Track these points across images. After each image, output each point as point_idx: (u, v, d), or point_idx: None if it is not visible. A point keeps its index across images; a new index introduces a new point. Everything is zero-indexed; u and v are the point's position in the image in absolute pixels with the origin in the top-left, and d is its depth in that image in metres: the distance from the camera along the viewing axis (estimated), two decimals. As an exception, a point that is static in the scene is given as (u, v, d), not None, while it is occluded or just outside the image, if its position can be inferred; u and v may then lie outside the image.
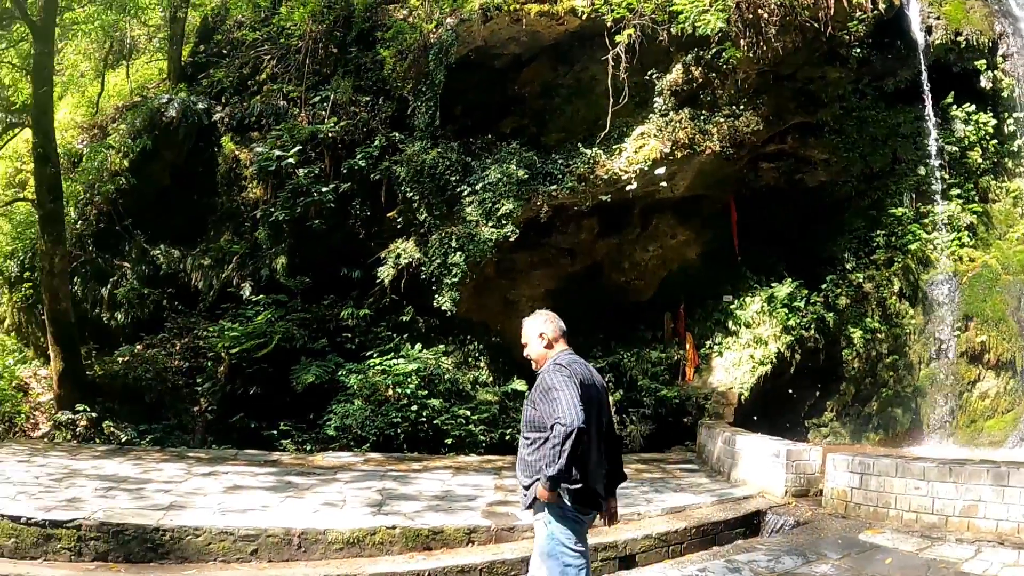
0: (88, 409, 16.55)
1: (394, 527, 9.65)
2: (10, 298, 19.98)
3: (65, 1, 19.04)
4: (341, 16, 19.46)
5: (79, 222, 18.96)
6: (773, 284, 17.96)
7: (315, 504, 10.84)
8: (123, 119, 20.13)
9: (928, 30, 17.30)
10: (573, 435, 5.53)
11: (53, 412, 17.10)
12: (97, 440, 16.38)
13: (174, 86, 20.41)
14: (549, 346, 6.23)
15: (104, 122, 21.43)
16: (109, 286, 18.68)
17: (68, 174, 18.54)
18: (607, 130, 16.68)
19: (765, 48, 15.83)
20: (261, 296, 17.64)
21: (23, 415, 17.36)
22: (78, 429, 16.57)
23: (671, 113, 16.58)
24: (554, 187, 16.24)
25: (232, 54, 21.05)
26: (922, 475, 10.25)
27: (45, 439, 16.66)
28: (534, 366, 6.26)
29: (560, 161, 16.61)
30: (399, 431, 15.48)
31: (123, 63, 23.91)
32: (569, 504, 5.82)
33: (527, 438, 5.98)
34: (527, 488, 5.93)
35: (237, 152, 18.88)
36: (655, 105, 16.74)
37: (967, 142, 17.58)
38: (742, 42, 15.82)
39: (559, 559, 5.88)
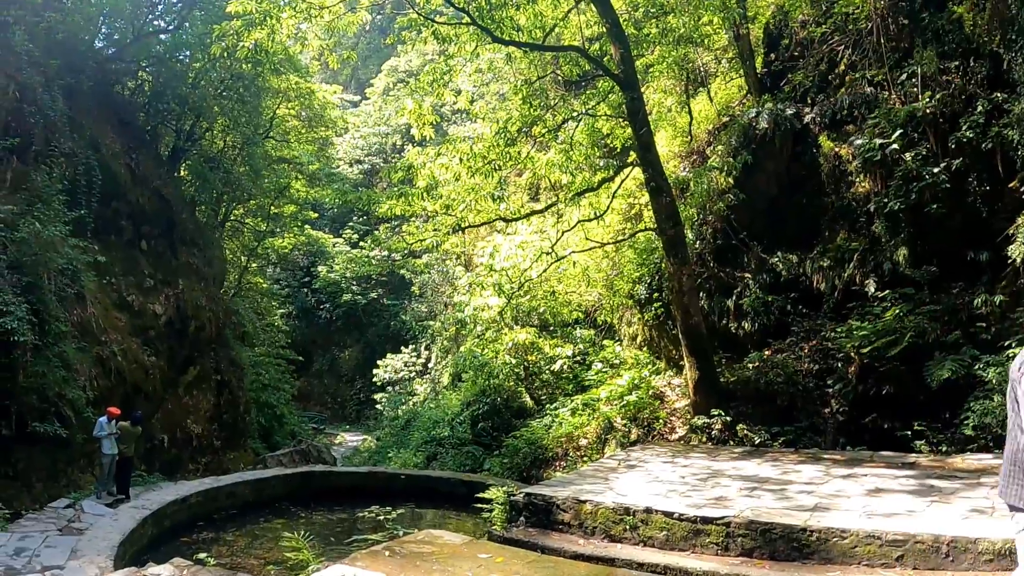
0: (722, 413, 17.65)
1: (1050, 539, 8.84)
2: (641, 317, 22.03)
3: (636, 50, 20.68)
4: (903, -18, 18.53)
5: (697, 242, 20.39)
6: None
7: (962, 510, 10.36)
8: (717, 140, 21.28)
9: None
10: None
11: (689, 417, 18.49)
12: (731, 442, 17.35)
13: (757, 99, 21.07)
14: None
15: (700, 147, 22.82)
16: (733, 297, 19.71)
17: (679, 200, 19.97)
18: None
19: None
20: (886, 291, 17.26)
21: (661, 420, 18.99)
22: (713, 432, 17.70)
23: None
24: None
25: (804, 54, 21.15)
26: None
27: (681, 442, 18.03)
28: None
29: None
30: None
31: (702, 89, 25.28)
32: None
33: None
34: None
35: (836, 149, 18.88)
36: None
37: None
38: None
39: None
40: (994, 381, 14.67)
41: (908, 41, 18.52)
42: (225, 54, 20.85)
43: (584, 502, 11.86)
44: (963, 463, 13.66)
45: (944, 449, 14.84)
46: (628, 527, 11.30)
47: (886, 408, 16.20)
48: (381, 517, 15.96)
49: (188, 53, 28.36)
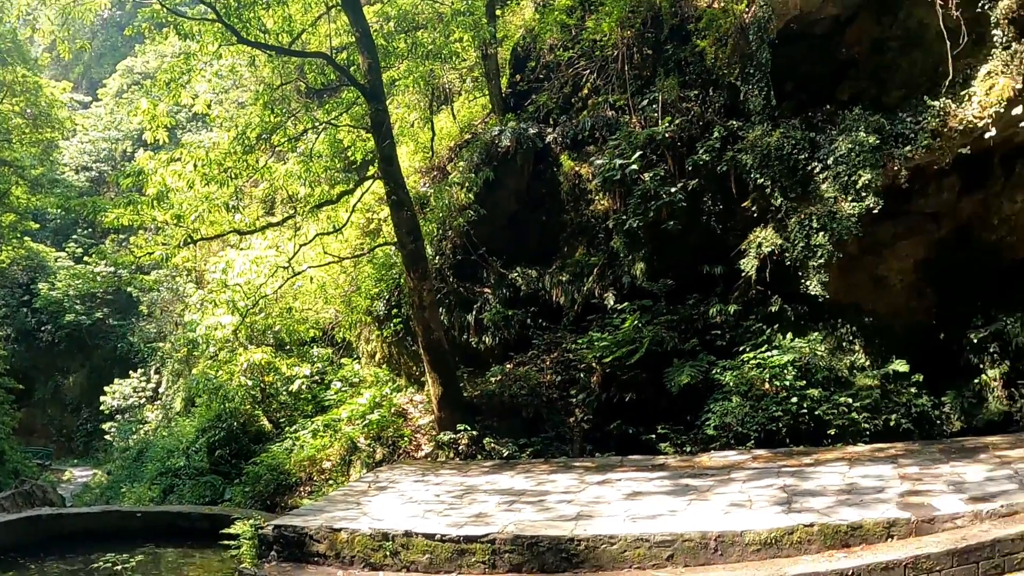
0: (468, 428, 17.53)
1: (811, 525, 9.47)
2: (380, 334, 21.59)
3: (384, 62, 20.43)
4: (648, 17, 19.42)
5: (437, 257, 20.22)
6: None
7: (722, 505, 10.89)
8: (460, 157, 21.34)
9: None
10: None
11: (434, 433, 18.22)
12: (480, 456, 17.29)
13: (501, 117, 21.28)
14: None
15: (441, 163, 22.80)
16: (474, 312, 19.69)
17: (419, 215, 19.75)
18: (950, 76, 15.41)
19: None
20: (625, 304, 17.89)
21: (406, 438, 18.65)
22: (460, 447, 17.55)
23: (1014, 44, 14.96)
24: (908, 148, 15.33)
25: (550, 77, 21.60)
26: None
27: (428, 459, 17.79)
28: None
29: (908, 119, 15.64)
30: (780, 425, 15.25)
31: (445, 106, 25.30)
32: None
33: None
34: None
35: (577, 168, 19.38)
36: (994, 38, 15.21)
37: None
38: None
39: None
40: (731, 384, 15.88)
41: (651, 70, 19.40)
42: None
43: (339, 530, 11.28)
44: (710, 461, 14.46)
45: (689, 449, 15.73)
46: (388, 553, 10.84)
47: (630, 414, 16.87)
48: (119, 567, 14.61)
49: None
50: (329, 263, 22.08)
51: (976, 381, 15.93)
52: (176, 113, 38.06)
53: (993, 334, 16.09)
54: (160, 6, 17.88)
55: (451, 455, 17.61)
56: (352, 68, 19.46)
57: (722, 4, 17.96)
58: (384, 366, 22.28)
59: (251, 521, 12.77)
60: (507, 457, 16.98)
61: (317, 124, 20.96)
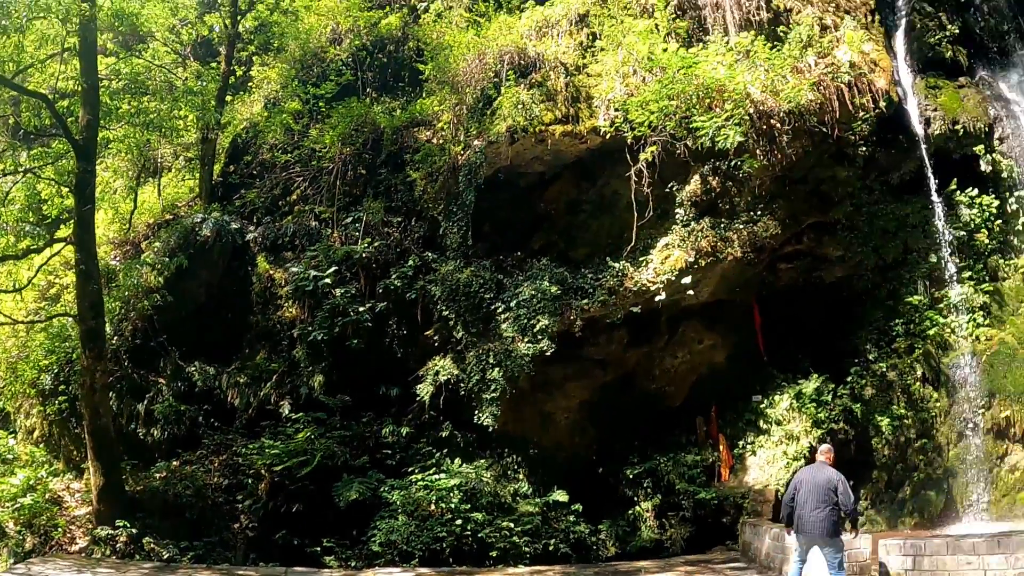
0: (128, 525, 16.61)
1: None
2: (42, 411, 19.92)
3: (104, 121, 19.56)
4: (370, 139, 20.15)
5: (115, 337, 19.24)
6: (800, 381, 18.27)
7: None
8: (157, 237, 20.65)
9: (927, 122, 18.21)
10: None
11: (91, 527, 17.10)
12: (138, 556, 16.43)
13: (206, 205, 20.91)
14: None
15: (137, 239, 21.83)
16: (145, 402, 18.85)
17: (104, 290, 18.82)
18: (633, 243, 17.32)
19: (779, 155, 16.52)
20: (300, 414, 17.97)
21: (60, 529, 17.38)
22: (118, 545, 16.60)
23: (692, 223, 17.25)
24: (586, 301, 16.90)
25: (263, 175, 21.68)
26: (972, 550, 11.08)
27: (82, 554, 16.65)
28: None
29: (590, 275, 17.29)
30: (444, 545, 15.88)
31: (152, 180, 24.42)
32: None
33: None
34: None
35: (271, 271, 19.42)
36: (677, 216, 17.42)
37: (973, 225, 18.05)
38: (757, 151, 16.46)
39: None
40: (399, 503, 16.37)
41: (361, 189, 20.13)
42: None
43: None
44: (375, 577, 14.69)
45: (355, 564, 15.97)
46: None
47: (297, 525, 16.84)
48: None
49: None
50: (1, 324, 20.47)
51: (631, 511, 17.70)
52: None
53: (647, 471, 18.02)
54: None
55: (108, 552, 16.56)
56: (70, 119, 18.29)
57: (440, 142, 18.95)
58: (43, 446, 20.50)
59: None
60: (168, 560, 16.26)
61: (19, 168, 19.60)
